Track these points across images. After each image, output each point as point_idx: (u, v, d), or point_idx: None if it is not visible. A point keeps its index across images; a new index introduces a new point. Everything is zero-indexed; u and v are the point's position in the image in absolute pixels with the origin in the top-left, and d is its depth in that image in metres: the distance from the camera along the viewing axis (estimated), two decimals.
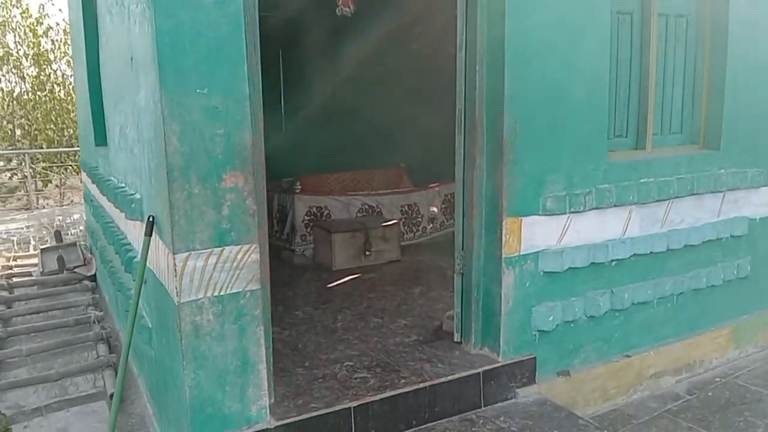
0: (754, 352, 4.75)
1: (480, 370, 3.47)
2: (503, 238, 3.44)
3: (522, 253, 3.52)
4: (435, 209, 6.57)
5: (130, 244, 3.76)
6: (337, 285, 5.23)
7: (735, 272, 4.45)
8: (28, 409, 4.12)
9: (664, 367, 4.22)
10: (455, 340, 3.79)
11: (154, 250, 3.01)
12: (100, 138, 5.20)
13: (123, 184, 3.94)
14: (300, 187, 5.92)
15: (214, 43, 2.60)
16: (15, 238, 9.81)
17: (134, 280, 3.19)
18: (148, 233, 2.99)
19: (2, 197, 13.41)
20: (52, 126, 14.19)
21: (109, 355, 4.65)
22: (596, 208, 3.72)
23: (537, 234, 3.55)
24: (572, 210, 3.63)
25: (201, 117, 2.61)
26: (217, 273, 2.73)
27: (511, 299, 3.53)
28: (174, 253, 2.64)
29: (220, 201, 2.69)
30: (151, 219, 2.96)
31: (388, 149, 7.98)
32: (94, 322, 5.25)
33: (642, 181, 3.86)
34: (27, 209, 12.21)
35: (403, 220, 6.30)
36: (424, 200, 6.44)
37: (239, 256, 2.77)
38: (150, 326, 3.42)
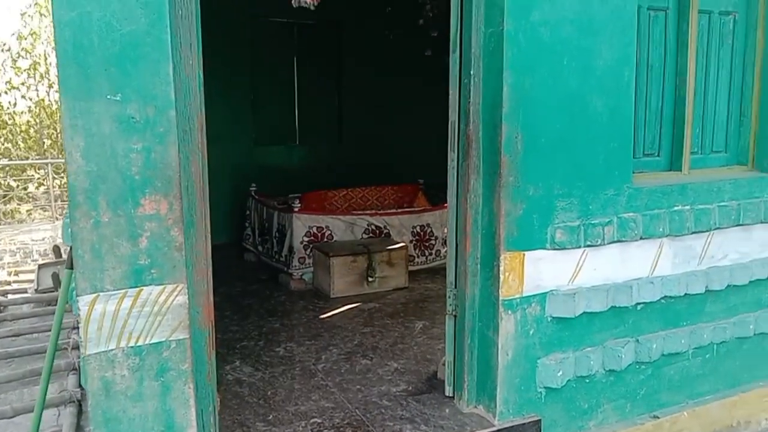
0: None
1: None
2: (501, 277, 2.86)
3: (525, 295, 2.93)
4: None
5: None
6: (331, 316, 4.71)
7: None
8: None
9: (701, 431, 3.54)
10: (447, 393, 3.22)
11: None
12: None
13: None
14: (300, 204, 5.43)
15: (128, 38, 2.13)
16: (31, 250, 9.64)
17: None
18: (70, 265, 2.53)
19: (31, 208, 13.40)
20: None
21: (75, 389, 4.22)
22: (618, 241, 3.10)
23: (544, 272, 2.96)
24: (588, 243, 3.02)
25: (112, 129, 2.14)
26: (133, 319, 2.24)
27: (511, 350, 2.94)
28: (78, 295, 2.16)
29: (136, 231, 2.21)
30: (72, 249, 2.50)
31: (405, 164, 7.47)
32: (70, 349, 4.84)
33: (676, 209, 3.22)
34: (51, 220, 12.11)
35: (415, 242, 5.74)
36: (438, 221, 5.87)
37: (161, 299, 2.27)
38: None
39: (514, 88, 2.75)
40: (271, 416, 3.12)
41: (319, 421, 3.05)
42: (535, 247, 2.92)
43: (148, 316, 2.26)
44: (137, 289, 2.23)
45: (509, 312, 2.90)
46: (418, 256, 5.77)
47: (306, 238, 5.37)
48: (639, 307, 3.23)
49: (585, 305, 3.04)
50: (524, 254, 2.90)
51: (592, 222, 3.01)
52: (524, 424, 3.00)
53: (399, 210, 5.96)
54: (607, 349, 3.17)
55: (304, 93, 7.46)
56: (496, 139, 2.80)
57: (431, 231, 5.85)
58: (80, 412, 3.98)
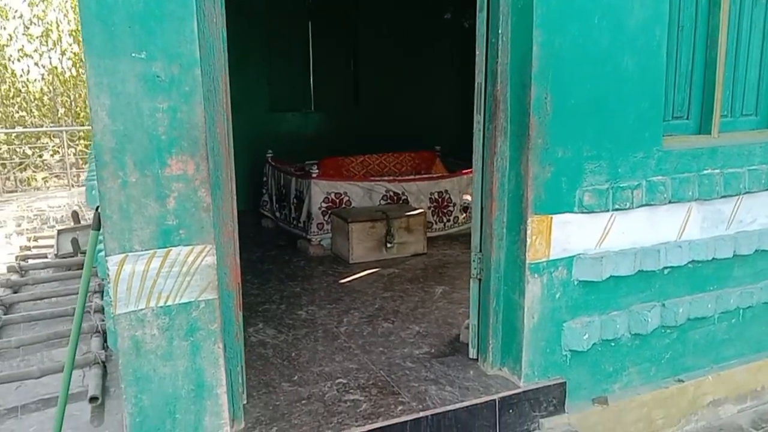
0: None
1: (496, 396, 2.89)
2: (528, 240, 2.83)
3: (551, 259, 2.90)
4: (469, 197, 5.94)
5: None
6: (351, 281, 4.71)
7: None
8: (3, 409, 3.78)
9: (725, 394, 3.53)
10: (470, 356, 3.22)
11: None
12: None
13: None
14: (318, 170, 5.40)
15: None
16: (48, 216, 9.71)
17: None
18: (96, 227, 2.53)
19: (47, 176, 13.47)
20: None
21: (100, 351, 4.27)
22: (646, 205, 3.05)
23: (571, 235, 2.92)
24: (616, 207, 2.98)
25: (138, 87, 2.11)
26: (162, 279, 2.24)
27: (537, 313, 2.92)
28: (107, 255, 2.15)
29: (164, 192, 2.19)
30: (98, 210, 2.49)
31: (422, 131, 7.40)
32: (92, 312, 4.90)
33: (705, 172, 3.16)
34: (67, 187, 12.17)
35: (433, 208, 5.71)
36: (456, 187, 5.82)
37: (190, 259, 2.26)
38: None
39: (544, 47, 2.68)
40: (296, 377, 3.14)
41: (344, 381, 3.07)
42: (562, 210, 2.88)
43: (176, 276, 2.25)
44: (166, 249, 2.22)
45: (535, 275, 2.88)
46: (435, 223, 5.74)
47: (324, 204, 5.35)
48: (666, 272, 3.20)
49: (612, 269, 3.01)
50: (551, 217, 2.86)
51: (621, 185, 2.96)
52: (549, 386, 3.00)
53: (417, 176, 5.92)
54: (633, 313, 3.15)
55: (319, 59, 7.36)
56: (525, 100, 2.74)
57: (449, 197, 5.81)
58: (104, 373, 4.05)
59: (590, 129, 2.86)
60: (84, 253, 6.51)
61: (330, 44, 7.42)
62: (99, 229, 2.51)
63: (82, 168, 13.14)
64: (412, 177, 5.84)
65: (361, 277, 4.80)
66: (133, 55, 2.08)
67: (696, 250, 3.21)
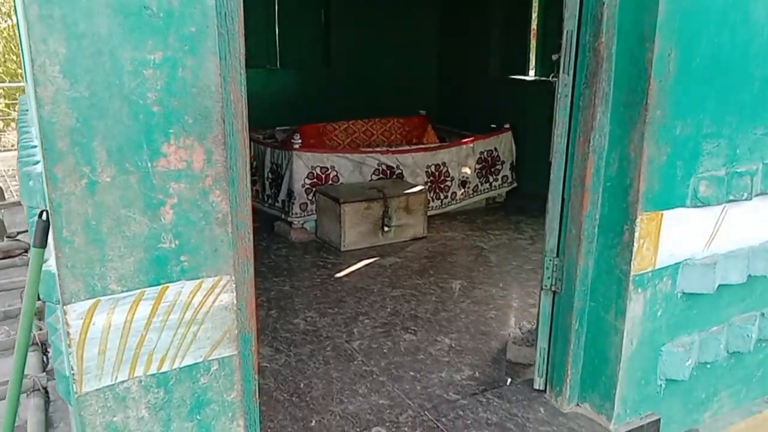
0: None
1: None
2: (635, 245, 2.14)
3: (657, 267, 2.23)
4: (468, 170, 5.24)
5: None
6: (348, 274, 3.95)
7: None
8: None
9: None
10: (536, 386, 2.54)
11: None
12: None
13: (31, 142, 2.57)
14: (300, 140, 4.55)
15: None
16: None
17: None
18: (39, 242, 1.66)
19: None
20: (14, 57, 12.52)
21: (40, 374, 3.37)
22: (762, 194, 2.41)
23: (681, 236, 2.26)
24: (731, 198, 2.32)
25: (114, 26, 1.26)
26: (155, 333, 1.43)
27: (637, 337, 2.26)
28: (64, 302, 1.33)
29: (156, 197, 1.37)
30: (44, 217, 1.63)
31: (402, 93, 6.60)
32: None
33: None
34: None
35: (429, 183, 4.98)
36: (454, 159, 5.10)
37: (197, 300, 1.46)
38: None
39: None
40: (314, 421, 2.40)
41: (381, 430, 2.34)
42: (674, 204, 2.20)
43: (176, 327, 1.45)
44: (160, 287, 1.41)
45: (639, 290, 2.20)
46: (433, 200, 5.02)
47: (308, 181, 4.53)
48: None
49: (722, 276, 2.37)
50: (662, 214, 2.18)
51: (738, 170, 2.30)
52: (642, 426, 2.36)
53: (413, 147, 5.14)
54: (734, 327, 2.53)
55: (284, 7, 6.40)
56: (642, 58, 2.01)
57: (447, 171, 5.09)
58: (47, 402, 3.17)
59: (712, 98, 2.17)
60: (10, 237, 5.47)
61: None
62: (45, 246, 1.66)
63: (5, 131, 11.67)
64: (407, 148, 5.06)
65: (359, 269, 4.04)
66: None
67: None
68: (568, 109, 2.22)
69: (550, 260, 2.39)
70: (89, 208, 1.30)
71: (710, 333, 2.47)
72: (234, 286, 1.50)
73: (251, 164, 4.90)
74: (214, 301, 1.48)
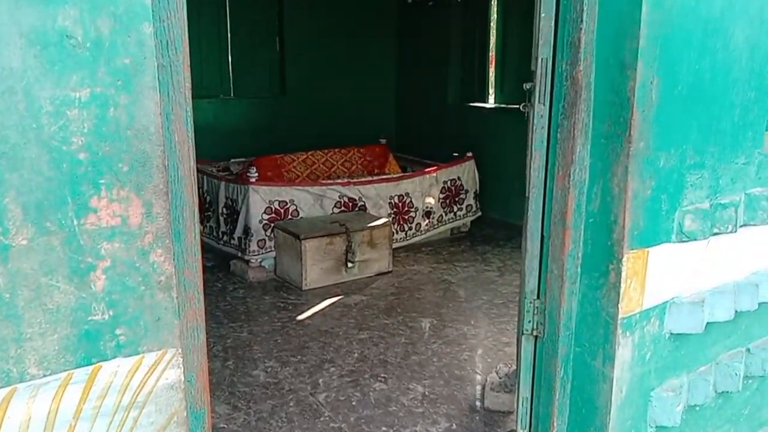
0: None
1: None
2: (621, 285, 1.99)
3: (645, 308, 2.09)
4: (432, 200, 5.09)
5: None
6: (311, 316, 3.72)
7: None
8: None
9: None
10: None
11: None
12: None
13: None
14: (256, 173, 4.33)
15: None
16: None
17: None
18: None
19: None
20: None
21: None
22: (745, 225, 2.31)
23: (667, 274, 2.13)
24: (715, 231, 2.21)
25: (28, 58, 1.04)
26: (86, 422, 1.20)
27: (626, 384, 2.10)
28: None
29: (85, 260, 1.15)
30: None
31: (361, 122, 6.46)
32: None
33: None
34: None
35: (393, 215, 4.80)
36: (418, 189, 4.95)
37: (136, 381, 1.23)
38: None
39: (655, 8, 1.83)
40: None
41: None
42: (660, 240, 2.07)
43: (112, 413, 1.22)
44: (91, 367, 1.18)
45: (627, 334, 2.05)
46: (397, 232, 4.84)
47: (266, 216, 4.30)
48: (755, 308, 2.48)
49: (710, 314, 2.25)
50: (648, 251, 2.04)
51: (722, 202, 2.20)
52: None
53: (375, 178, 4.97)
54: (721, 366, 2.41)
55: (238, 36, 6.20)
56: (624, 87, 1.88)
57: (411, 201, 4.93)
58: None
59: (694, 127, 2.06)
60: None
61: (250, 20, 6.27)
62: None
63: None
64: (369, 179, 4.89)
65: (322, 310, 3.82)
66: None
67: None
68: (545, 141, 2.09)
69: (531, 303, 2.22)
70: (1, 279, 1.07)
71: (699, 374, 2.34)
72: (181, 360, 1.28)
73: (204, 199, 4.66)
74: (157, 380, 1.25)
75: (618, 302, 2.01)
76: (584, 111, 1.98)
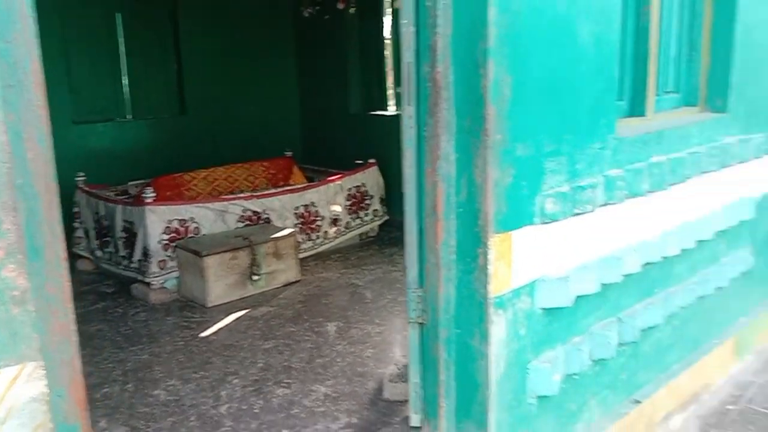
0: (753, 361, 3.85)
1: None
2: (490, 268, 2.14)
3: (514, 288, 2.25)
4: (338, 208, 5.18)
5: None
6: (215, 332, 3.71)
7: (740, 267, 3.47)
8: None
9: (674, 406, 3.17)
10: (413, 424, 2.46)
11: None
12: None
13: None
14: (153, 194, 4.27)
15: None
16: None
17: None
18: None
19: None
20: None
21: None
22: (605, 205, 2.53)
23: (533, 254, 2.29)
24: (576, 212, 2.40)
25: None
26: None
27: (504, 359, 2.25)
28: None
29: None
30: None
31: (265, 136, 6.48)
32: None
33: (654, 160, 2.71)
34: None
35: (300, 225, 4.85)
36: (323, 198, 5.03)
37: None
38: None
39: (503, 11, 2.00)
40: None
41: None
42: (523, 223, 2.23)
43: None
44: None
45: (500, 312, 2.20)
46: (304, 242, 4.90)
47: (165, 236, 4.25)
48: (621, 280, 2.70)
49: (577, 288, 2.43)
50: (511, 234, 2.20)
51: (581, 185, 2.39)
52: None
53: (278, 189, 5.00)
54: (595, 336, 2.61)
55: (133, 57, 6.09)
56: (478, 85, 2.04)
57: (317, 211, 5.00)
58: None
59: (549, 118, 2.24)
60: None
61: (145, 40, 6.18)
62: None
63: None
64: (272, 191, 4.92)
65: (227, 325, 3.82)
66: None
67: (650, 250, 2.76)
68: (414, 140, 2.21)
69: (414, 292, 2.34)
70: None
71: (573, 344, 2.52)
72: (44, 372, 1.29)
73: (101, 224, 4.55)
74: (18, 394, 1.26)
75: (487, 283, 2.15)
76: (446, 109, 2.11)
